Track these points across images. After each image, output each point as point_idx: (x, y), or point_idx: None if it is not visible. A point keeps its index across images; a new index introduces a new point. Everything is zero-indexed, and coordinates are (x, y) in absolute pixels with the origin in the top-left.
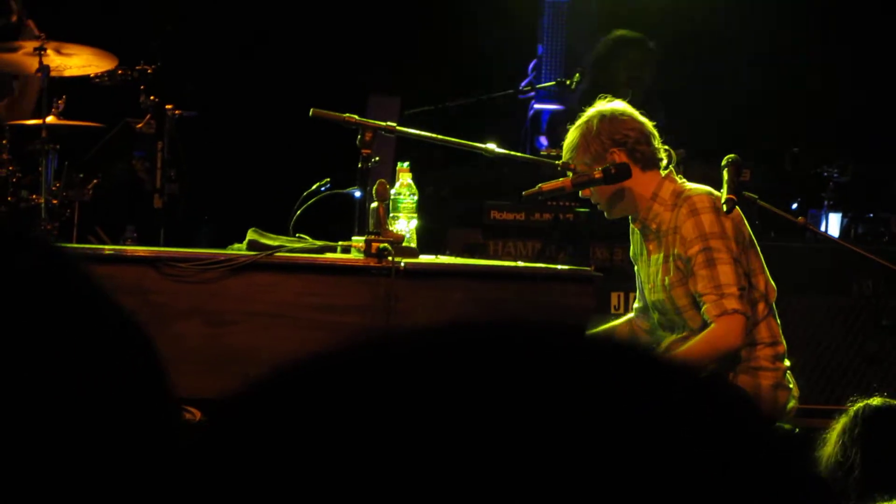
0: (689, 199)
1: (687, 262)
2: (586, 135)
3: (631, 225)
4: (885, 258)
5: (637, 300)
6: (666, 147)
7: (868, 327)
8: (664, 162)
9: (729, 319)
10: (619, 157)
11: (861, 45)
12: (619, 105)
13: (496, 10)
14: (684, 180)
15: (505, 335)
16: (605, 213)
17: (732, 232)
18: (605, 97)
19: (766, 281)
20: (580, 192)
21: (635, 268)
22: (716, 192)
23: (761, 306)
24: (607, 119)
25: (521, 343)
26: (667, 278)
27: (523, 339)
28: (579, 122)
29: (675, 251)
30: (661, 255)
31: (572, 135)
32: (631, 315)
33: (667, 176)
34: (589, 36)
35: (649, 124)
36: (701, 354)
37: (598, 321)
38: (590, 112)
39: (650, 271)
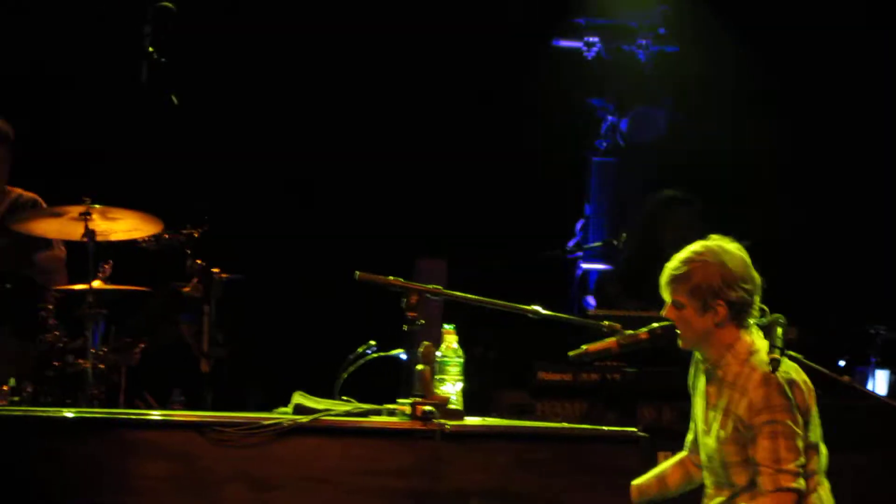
0: (764, 368)
1: (749, 429)
2: (701, 275)
3: (696, 355)
4: None
5: (690, 432)
6: (762, 306)
7: None
8: (753, 321)
9: (782, 496)
10: (723, 311)
11: None
12: (741, 255)
13: (544, 171)
14: (760, 333)
15: None
16: (679, 341)
17: (800, 405)
18: (726, 238)
19: (819, 451)
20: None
21: (692, 399)
22: (792, 364)
23: (813, 477)
24: (729, 270)
25: None
26: (722, 432)
27: None
28: (697, 254)
29: (739, 412)
30: (722, 406)
31: (685, 267)
32: (684, 453)
33: (747, 330)
34: (637, 195)
35: (759, 280)
36: None
37: None
38: (712, 248)
39: (707, 415)
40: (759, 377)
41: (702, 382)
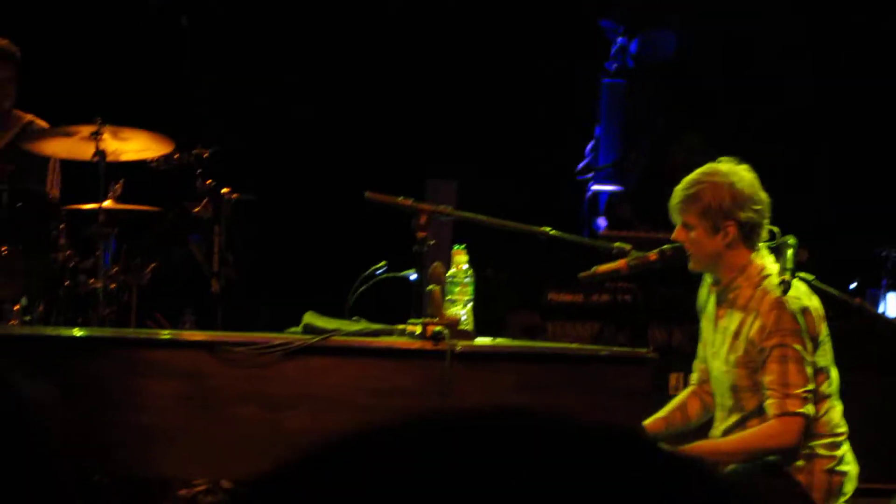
0: (776, 292)
1: (760, 352)
2: (711, 195)
3: (706, 277)
4: None
5: (698, 358)
6: (772, 227)
7: None
8: (764, 238)
9: (789, 421)
10: (734, 231)
11: None
12: (750, 176)
13: (554, 92)
14: (772, 257)
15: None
16: (690, 264)
17: (811, 330)
18: (735, 159)
19: (830, 375)
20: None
21: (700, 321)
22: (803, 287)
23: (825, 401)
24: (739, 190)
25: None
26: (732, 355)
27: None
28: (707, 175)
29: (751, 335)
30: (733, 329)
31: (694, 187)
32: (693, 385)
33: (759, 253)
34: (647, 117)
35: (768, 201)
36: (754, 447)
37: (657, 403)
38: (721, 168)
39: (715, 337)
40: (771, 300)
41: (711, 305)
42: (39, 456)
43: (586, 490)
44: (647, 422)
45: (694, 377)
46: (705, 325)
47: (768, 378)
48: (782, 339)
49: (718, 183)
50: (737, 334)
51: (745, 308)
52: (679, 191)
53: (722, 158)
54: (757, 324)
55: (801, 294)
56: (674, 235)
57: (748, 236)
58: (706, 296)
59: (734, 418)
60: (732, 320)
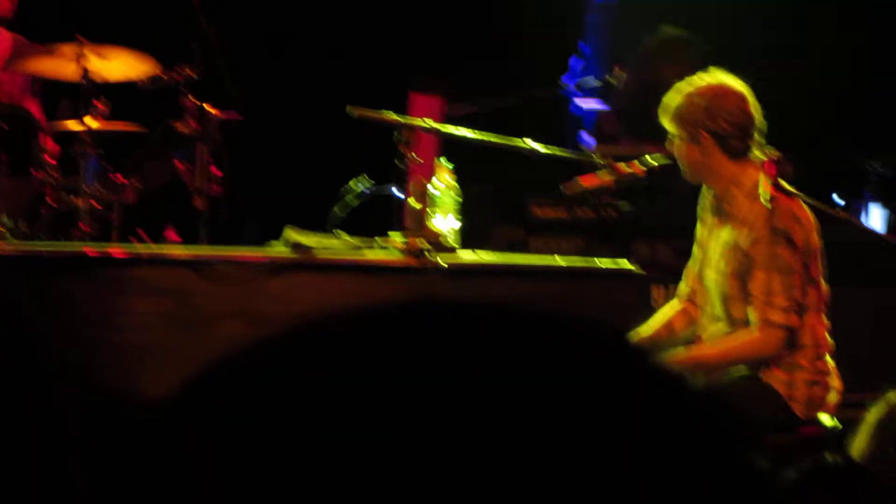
0: (771, 201)
1: (749, 259)
2: (688, 107)
3: (704, 188)
4: None
5: (693, 260)
6: (764, 143)
7: None
8: (755, 154)
9: (770, 331)
10: (708, 141)
11: None
12: (737, 89)
13: (541, 8)
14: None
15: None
16: (686, 175)
17: (801, 242)
18: (725, 72)
19: (820, 288)
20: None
21: (697, 231)
22: (797, 198)
23: (811, 312)
24: (715, 104)
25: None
26: (724, 263)
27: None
28: (692, 87)
29: (743, 245)
30: (727, 239)
31: (677, 98)
32: (681, 301)
33: (753, 165)
34: (636, 35)
35: (756, 118)
36: (734, 356)
37: (640, 315)
38: (707, 81)
39: (710, 246)
40: (763, 210)
41: (710, 214)
42: (44, 382)
43: (574, 382)
44: (632, 336)
45: (683, 287)
46: (703, 233)
47: (753, 285)
48: (771, 248)
49: (697, 93)
50: (730, 245)
51: (738, 219)
52: (665, 99)
53: (714, 69)
54: (749, 234)
55: (794, 205)
56: (667, 145)
57: (727, 147)
58: (705, 205)
59: (721, 327)
60: (727, 231)
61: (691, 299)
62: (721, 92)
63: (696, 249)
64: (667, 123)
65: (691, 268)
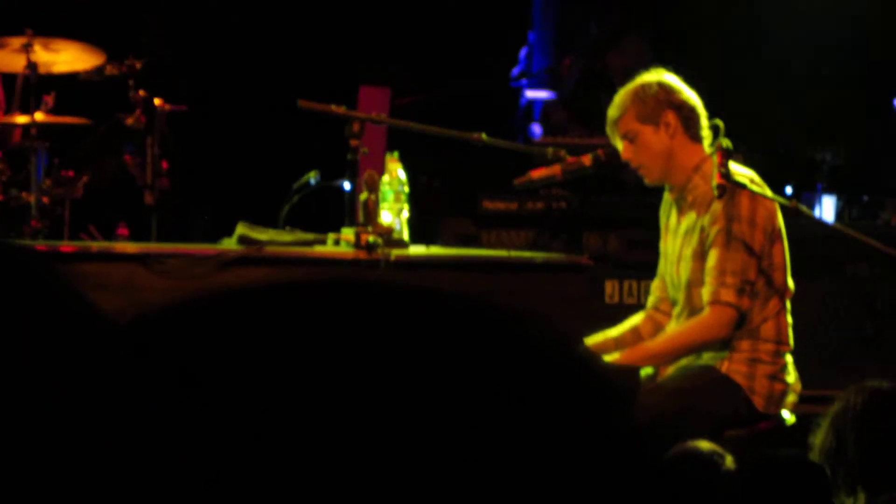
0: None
1: (706, 236)
2: (642, 93)
3: (665, 195)
4: (880, 241)
5: (658, 276)
6: (714, 124)
7: (863, 311)
8: (708, 141)
9: (721, 310)
10: (673, 119)
11: (855, 23)
12: (675, 77)
13: None
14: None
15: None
16: (645, 178)
17: (762, 221)
18: (652, 70)
19: (785, 278)
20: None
21: (661, 245)
22: (758, 179)
23: (773, 302)
24: (666, 84)
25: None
26: (688, 248)
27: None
28: (633, 83)
29: (704, 223)
30: (690, 225)
31: (624, 93)
32: (648, 310)
33: (711, 154)
34: (584, 24)
35: (701, 103)
36: (684, 343)
37: (593, 310)
38: (645, 77)
39: (675, 244)
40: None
41: (672, 217)
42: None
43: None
44: (598, 340)
45: (650, 300)
46: (668, 240)
47: (709, 261)
48: (729, 224)
49: (643, 83)
50: (693, 229)
51: (702, 203)
52: (611, 109)
53: (655, 68)
54: (712, 213)
55: (752, 185)
56: (622, 155)
57: (688, 124)
58: (667, 211)
59: (684, 315)
60: (690, 218)
61: (657, 307)
62: (668, 80)
63: (661, 262)
64: (622, 126)
65: (657, 282)
